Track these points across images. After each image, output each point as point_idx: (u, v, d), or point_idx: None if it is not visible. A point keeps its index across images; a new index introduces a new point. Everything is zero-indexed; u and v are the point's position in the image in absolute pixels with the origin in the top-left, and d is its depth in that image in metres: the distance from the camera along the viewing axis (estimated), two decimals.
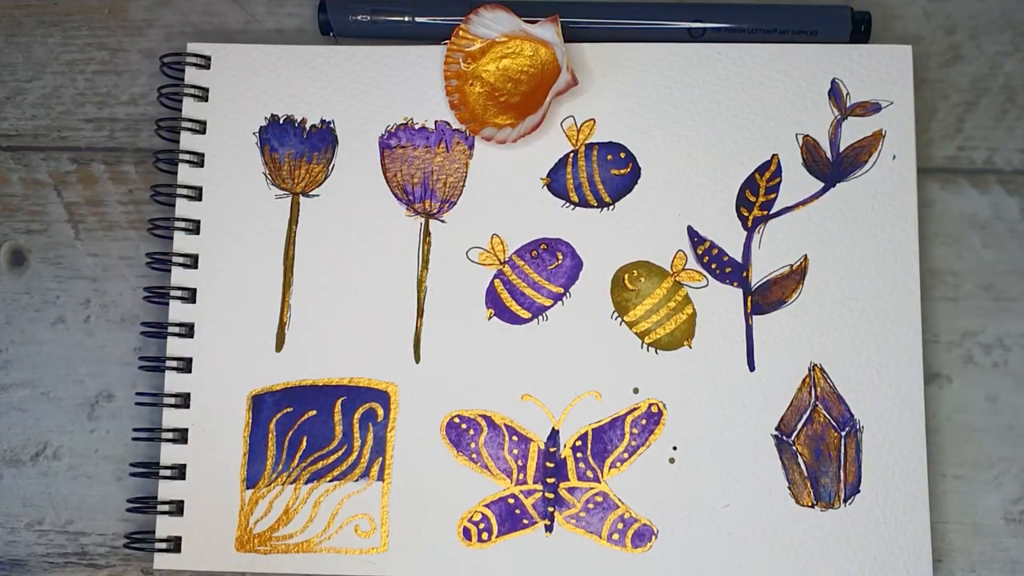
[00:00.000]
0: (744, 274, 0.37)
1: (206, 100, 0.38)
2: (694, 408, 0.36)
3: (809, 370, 0.36)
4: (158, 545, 0.36)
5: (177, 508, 0.36)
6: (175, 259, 0.37)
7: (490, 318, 0.37)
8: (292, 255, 0.37)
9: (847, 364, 0.36)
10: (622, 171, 0.37)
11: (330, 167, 0.38)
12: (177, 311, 0.37)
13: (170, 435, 0.36)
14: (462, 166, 0.38)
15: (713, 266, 0.37)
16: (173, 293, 0.37)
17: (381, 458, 0.36)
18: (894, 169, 0.37)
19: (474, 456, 0.36)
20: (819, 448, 0.36)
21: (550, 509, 0.36)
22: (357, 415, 0.36)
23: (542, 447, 0.36)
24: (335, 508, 0.36)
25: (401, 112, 0.38)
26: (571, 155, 0.37)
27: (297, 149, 0.38)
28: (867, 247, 0.37)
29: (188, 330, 0.37)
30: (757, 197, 0.37)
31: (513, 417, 0.36)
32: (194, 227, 0.37)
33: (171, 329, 0.37)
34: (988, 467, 0.36)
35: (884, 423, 0.36)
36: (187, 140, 0.38)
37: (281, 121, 0.38)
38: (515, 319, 0.37)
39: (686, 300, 0.37)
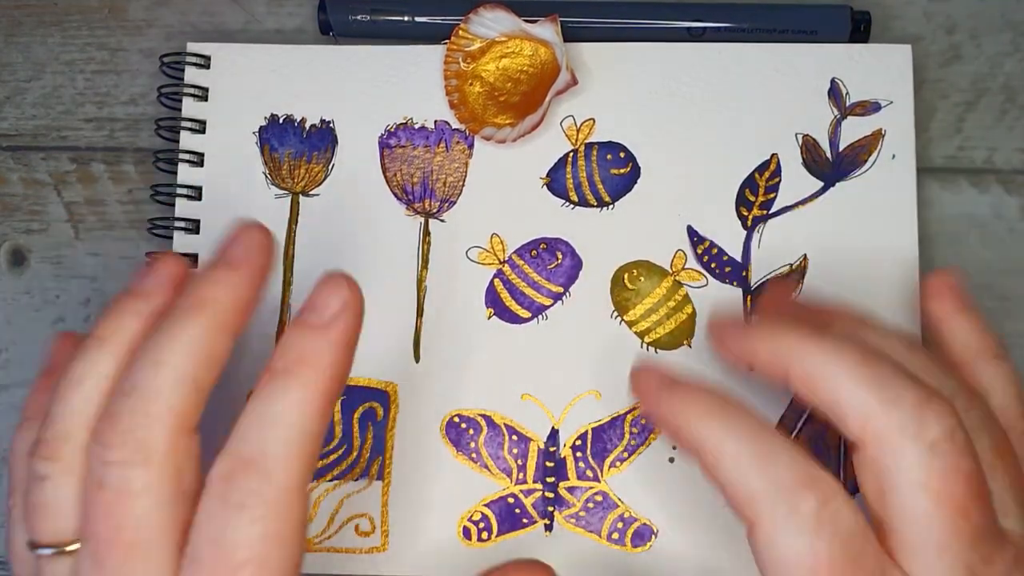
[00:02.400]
0: (744, 273, 0.37)
1: (206, 100, 0.38)
2: None
3: None
4: None
5: None
6: None
7: (490, 318, 0.37)
8: (292, 255, 0.37)
9: None
10: (622, 171, 0.37)
11: (330, 167, 0.38)
12: None
13: None
14: (462, 166, 0.38)
15: (713, 265, 0.37)
16: None
17: (381, 457, 0.36)
18: (894, 169, 0.37)
19: (474, 456, 0.36)
20: (819, 448, 0.36)
21: (550, 508, 0.36)
22: (357, 415, 0.36)
23: (542, 446, 0.36)
24: (335, 507, 0.36)
25: (401, 112, 0.38)
26: (571, 155, 0.37)
27: (297, 149, 0.38)
28: (867, 247, 0.37)
29: None
30: (757, 197, 0.37)
31: (513, 417, 0.36)
32: (194, 227, 0.37)
33: None
34: None
35: None
36: (187, 140, 0.38)
37: (281, 121, 0.38)
38: (515, 319, 0.37)
39: (686, 300, 0.37)
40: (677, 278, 0.37)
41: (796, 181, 0.37)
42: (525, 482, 0.36)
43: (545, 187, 0.37)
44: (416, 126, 0.38)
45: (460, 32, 0.37)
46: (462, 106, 0.37)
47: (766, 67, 0.38)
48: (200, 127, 0.38)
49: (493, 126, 0.37)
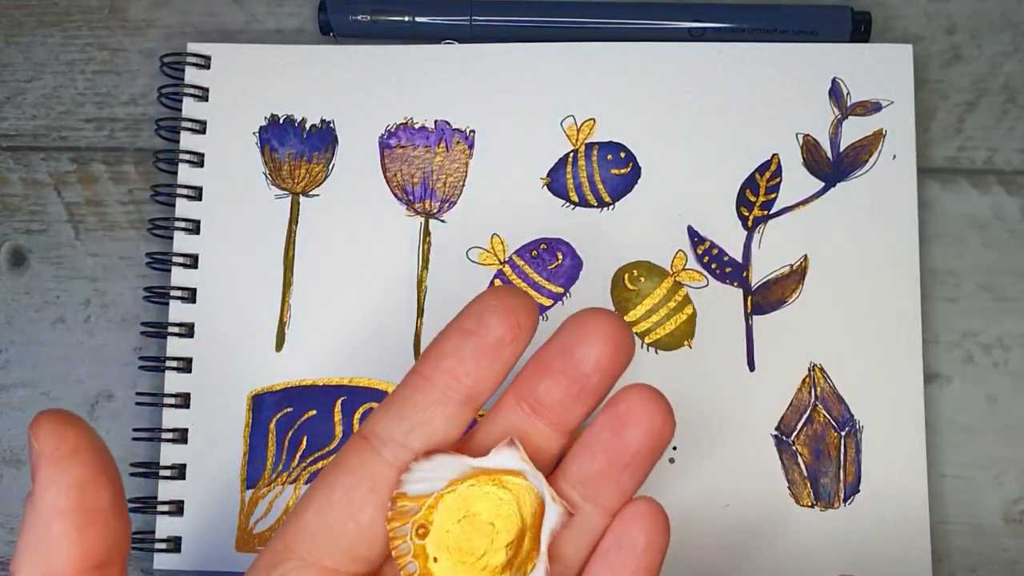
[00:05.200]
0: (744, 274, 0.37)
1: (206, 100, 0.38)
2: (694, 408, 0.36)
3: (809, 370, 0.36)
4: (158, 545, 0.36)
5: (177, 508, 0.36)
6: (175, 259, 0.37)
7: None
8: (292, 255, 0.37)
9: (847, 364, 0.36)
10: (622, 171, 0.37)
11: (330, 167, 0.38)
12: (177, 311, 0.37)
13: (170, 435, 0.36)
14: (462, 166, 0.38)
15: (713, 266, 0.37)
16: (173, 293, 0.37)
17: None
18: (894, 169, 0.37)
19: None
20: (819, 448, 0.36)
21: None
22: (357, 415, 0.36)
23: None
24: None
25: (401, 112, 0.38)
26: (571, 155, 0.37)
27: (297, 149, 0.38)
28: (867, 247, 0.37)
29: (188, 330, 0.37)
30: (757, 197, 0.37)
31: None
32: (194, 227, 0.37)
33: (171, 329, 0.37)
34: (988, 467, 0.36)
35: (884, 423, 0.36)
36: (187, 140, 0.38)
37: (281, 121, 0.38)
38: None
39: (686, 300, 0.37)
40: (677, 278, 0.37)
41: (797, 181, 0.37)
42: None
43: (545, 187, 0.37)
44: (416, 126, 0.38)
45: (396, 503, 0.25)
46: None
47: (767, 67, 0.38)
48: (200, 127, 0.38)
49: None
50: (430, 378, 0.25)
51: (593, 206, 0.37)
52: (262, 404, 0.36)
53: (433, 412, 0.25)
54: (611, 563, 0.25)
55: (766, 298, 0.36)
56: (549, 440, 0.25)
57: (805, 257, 0.37)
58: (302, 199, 0.38)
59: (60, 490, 0.22)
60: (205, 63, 0.38)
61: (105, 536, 0.22)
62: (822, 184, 0.37)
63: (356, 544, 0.25)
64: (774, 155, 0.37)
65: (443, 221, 0.37)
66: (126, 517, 0.23)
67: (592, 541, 0.25)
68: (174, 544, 0.36)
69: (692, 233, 0.37)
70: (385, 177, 0.38)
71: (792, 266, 0.37)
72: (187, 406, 0.36)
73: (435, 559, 0.25)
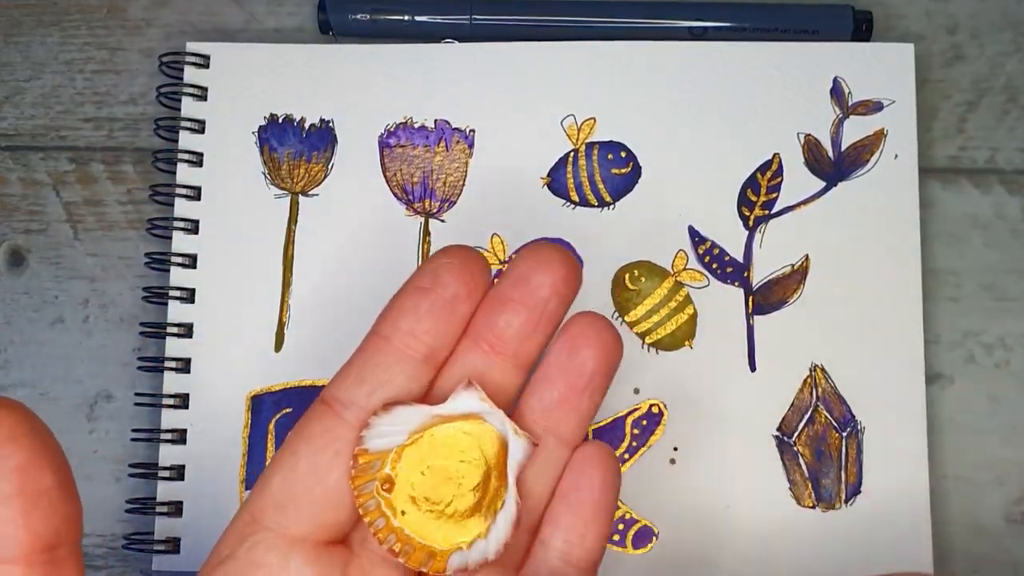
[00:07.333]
0: (745, 274, 0.37)
1: (205, 99, 0.38)
2: (695, 409, 0.36)
3: (810, 370, 0.36)
4: (157, 546, 0.35)
5: (176, 509, 0.36)
6: (174, 259, 0.37)
7: None
8: (291, 255, 0.37)
9: (848, 364, 0.36)
10: (622, 170, 0.37)
11: (329, 167, 0.38)
12: (176, 311, 0.37)
13: (169, 436, 0.36)
14: (462, 165, 0.37)
15: (714, 266, 0.37)
16: (172, 293, 0.37)
17: None
18: (896, 168, 0.37)
19: None
20: (820, 449, 0.36)
21: None
22: None
23: None
24: None
25: (401, 111, 0.38)
26: (571, 154, 0.37)
27: (296, 149, 0.38)
28: (869, 247, 0.36)
29: (187, 330, 0.37)
30: (759, 197, 0.37)
31: None
32: (193, 227, 0.37)
33: (170, 329, 0.37)
34: (990, 468, 0.36)
35: (885, 424, 0.35)
36: (186, 140, 0.38)
37: (280, 121, 0.38)
38: None
39: (687, 300, 0.37)
40: (678, 278, 0.37)
41: (798, 181, 0.37)
42: None
43: (546, 187, 0.37)
44: (416, 125, 0.38)
45: (358, 460, 0.25)
46: (409, 548, 0.25)
47: (768, 66, 0.37)
48: (199, 127, 0.38)
49: (459, 549, 0.25)
50: (389, 338, 0.25)
51: (593, 206, 0.37)
52: (261, 404, 0.36)
53: (394, 372, 0.25)
54: (571, 503, 0.26)
55: (767, 298, 0.36)
56: (508, 376, 0.26)
57: (806, 257, 0.37)
58: (301, 199, 0.37)
59: (1, 476, 0.21)
60: (204, 62, 0.38)
61: (52, 519, 0.21)
62: (823, 184, 0.37)
63: (324, 509, 0.25)
64: (775, 154, 0.37)
65: (443, 221, 0.37)
66: (75, 498, 0.22)
67: (556, 476, 0.26)
68: (173, 545, 0.36)
69: (693, 233, 0.37)
70: (385, 177, 0.38)
71: (793, 266, 0.37)
72: (186, 406, 0.36)
73: (402, 512, 0.25)
